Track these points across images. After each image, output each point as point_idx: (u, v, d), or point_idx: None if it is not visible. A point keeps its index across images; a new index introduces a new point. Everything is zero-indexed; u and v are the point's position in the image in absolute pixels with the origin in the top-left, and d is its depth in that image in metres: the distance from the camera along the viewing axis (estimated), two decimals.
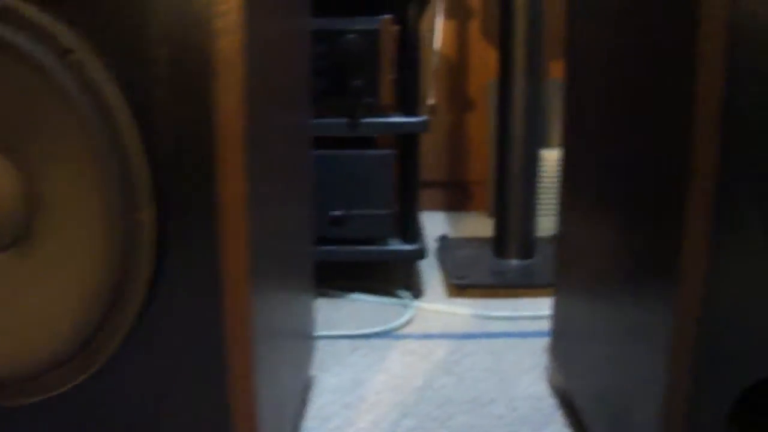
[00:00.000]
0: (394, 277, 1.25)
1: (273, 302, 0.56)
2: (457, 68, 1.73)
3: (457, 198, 1.78)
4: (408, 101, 1.08)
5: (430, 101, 1.71)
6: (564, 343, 0.78)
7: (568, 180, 0.77)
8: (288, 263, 0.64)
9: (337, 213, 1.10)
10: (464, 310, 1.09)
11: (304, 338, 0.76)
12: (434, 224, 1.68)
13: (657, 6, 0.50)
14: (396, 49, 1.09)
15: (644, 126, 0.53)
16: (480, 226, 1.65)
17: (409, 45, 1.06)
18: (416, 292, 1.15)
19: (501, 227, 1.28)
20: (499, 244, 1.28)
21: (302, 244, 0.73)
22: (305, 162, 0.73)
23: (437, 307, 1.10)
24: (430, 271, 1.28)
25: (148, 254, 0.45)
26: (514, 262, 1.25)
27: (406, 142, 1.09)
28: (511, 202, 1.25)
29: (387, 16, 1.05)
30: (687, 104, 0.44)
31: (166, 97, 0.44)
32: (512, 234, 1.26)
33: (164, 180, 0.45)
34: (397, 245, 1.11)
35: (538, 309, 1.08)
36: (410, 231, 1.11)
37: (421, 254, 1.11)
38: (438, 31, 1.66)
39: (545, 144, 1.58)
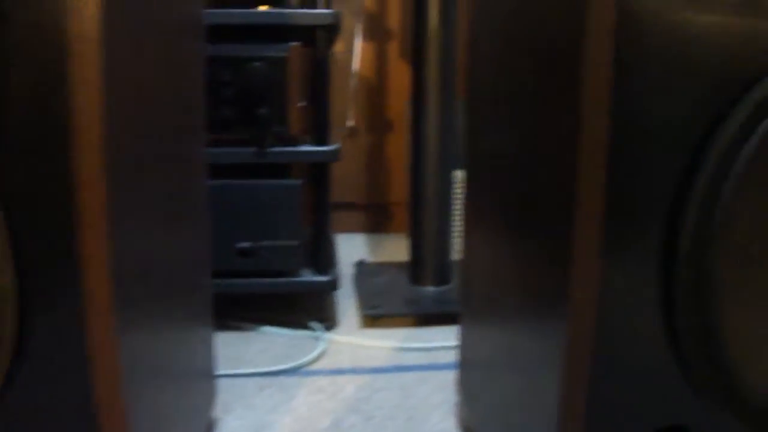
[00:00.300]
0: (308, 308, 1.22)
1: (154, 341, 0.53)
2: (376, 89, 1.73)
3: (377, 220, 1.77)
4: (319, 129, 1.06)
5: (350, 123, 1.70)
6: (469, 375, 0.77)
7: (469, 203, 0.77)
8: (175, 298, 0.61)
9: (245, 244, 1.07)
10: (376, 342, 1.08)
11: (203, 377, 0.73)
12: (354, 247, 1.66)
13: (543, 26, 0.51)
14: (306, 76, 1.07)
15: (532, 151, 0.54)
16: (400, 248, 1.65)
17: (320, 72, 1.05)
18: (329, 324, 1.13)
19: (416, 252, 1.27)
20: (414, 270, 1.28)
21: (197, 277, 0.69)
22: (198, 192, 0.70)
23: (350, 340, 1.08)
24: (346, 300, 1.26)
25: (12, 314, 0.41)
26: (430, 289, 1.25)
27: (317, 171, 1.07)
28: (425, 225, 1.25)
29: (295, 43, 1.03)
30: (573, 132, 0.44)
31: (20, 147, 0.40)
32: (427, 259, 1.26)
33: (20, 228, 0.41)
34: (308, 276, 1.08)
35: (452, 339, 1.08)
36: (322, 261, 1.08)
37: (333, 285, 1.09)
38: (357, 53, 1.66)
39: (460, 165, 1.60)
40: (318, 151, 1.04)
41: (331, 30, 1.05)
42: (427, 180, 1.24)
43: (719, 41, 0.44)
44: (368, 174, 1.75)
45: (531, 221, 0.53)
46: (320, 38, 1.04)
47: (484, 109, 0.69)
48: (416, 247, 1.27)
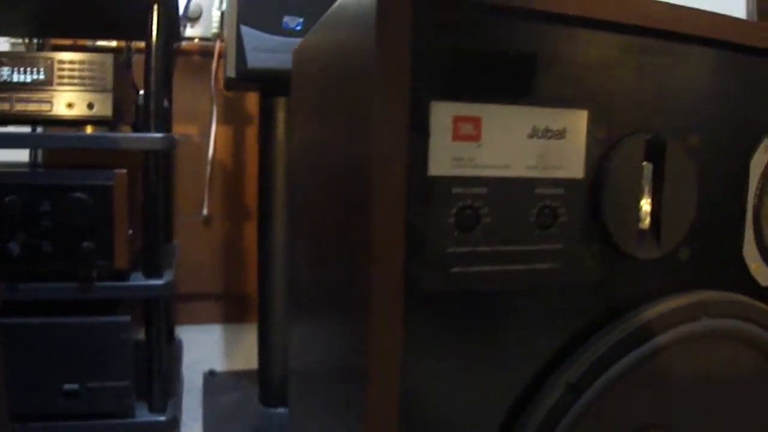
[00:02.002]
0: None
1: None
2: (233, 175, 1.68)
3: (235, 309, 1.72)
4: (150, 261, 1.00)
5: (205, 211, 1.64)
6: None
7: (290, 293, 0.75)
8: None
9: (71, 386, 0.98)
10: None
11: None
12: (209, 345, 1.59)
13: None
14: (136, 203, 1.02)
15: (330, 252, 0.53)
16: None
17: (150, 199, 0.99)
18: None
19: (264, 361, 1.22)
20: (264, 387, 1.22)
21: None
22: None
23: None
24: (194, 424, 1.20)
25: None
26: (281, 411, 1.21)
27: (148, 306, 1.01)
28: (273, 320, 1.20)
29: (121, 171, 0.97)
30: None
31: None
32: (276, 366, 1.21)
33: None
34: (143, 416, 1.02)
35: None
36: (157, 400, 1.02)
37: (171, 424, 1.03)
38: (212, 138, 1.60)
39: None
40: (149, 286, 0.99)
41: (159, 157, 1.00)
42: (275, 272, 1.19)
43: None
44: (224, 263, 1.69)
45: (337, 312, 0.53)
46: (151, 163, 0.99)
47: (301, 229, 0.68)
48: (264, 353, 1.21)
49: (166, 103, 1.15)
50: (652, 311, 0.51)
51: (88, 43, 1.39)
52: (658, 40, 0.50)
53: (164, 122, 1.05)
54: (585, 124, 0.47)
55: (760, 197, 0.56)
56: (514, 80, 0.45)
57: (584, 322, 0.50)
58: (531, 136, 0.46)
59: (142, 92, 1.33)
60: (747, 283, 0.57)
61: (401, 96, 0.42)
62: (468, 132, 0.44)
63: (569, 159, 0.47)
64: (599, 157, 0.48)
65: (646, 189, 0.50)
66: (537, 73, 0.46)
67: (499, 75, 0.45)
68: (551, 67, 0.46)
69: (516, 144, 0.46)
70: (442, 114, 0.44)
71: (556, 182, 0.47)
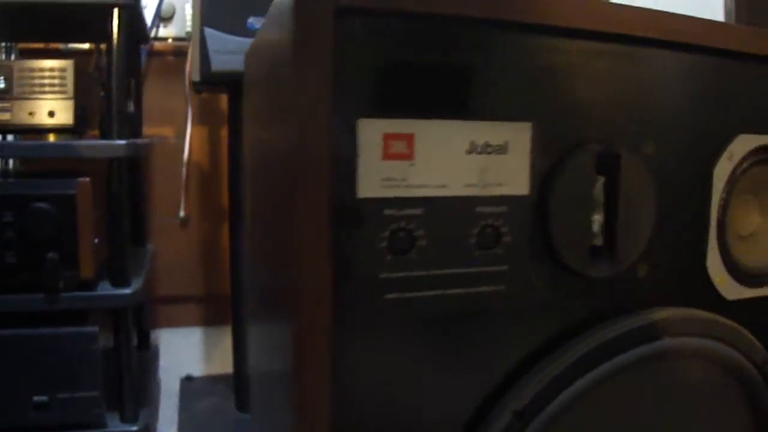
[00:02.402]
0: None
1: None
2: (209, 176, 1.64)
3: (215, 311, 1.68)
4: (116, 270, 0.98)
5: (182, 213, 1.61)
6: None
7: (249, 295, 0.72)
8: None
9: (40, 398, 0.96)
10: None
11: None
12: (189, 346, 1.57)
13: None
14: (101, 211, 0.99)
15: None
16: None
17: (114, 207, 0.97)
18: None
19: (239, 366, 1.19)
20: (239, 391, 1.20)
21: None
22: None
23: None
24: (168, 429, 1.18)
25: None
26: None
27: (116, 315, 0.98)
28: (247, 323, 1.17)
29: (84, 179, 0.94)
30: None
31: None
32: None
33: None
34: (115, 426, 1.00)
35: None
36: (129, 409, 1.00)
37: None
38: (188, 139, 1.57)
39: None
40: (115, 295, 0.96)
41: (123, 163, 0.97)
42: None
43: None
44: (202, 264, 1.66)
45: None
46: (114, 171, 0.97)
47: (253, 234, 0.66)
48: (238, 354, 1.18)
49: (131, 108, 1.12)
50: (609, 332, 0.48)
51: (61, 46, 1.36)
52: (609, 44, 0.47)
53: (129, 128, 1.02)
54: (529, 137, 0.44)
55: (724, 208, 0.53)
56: (449, 93, 0.42)
57: (535, 344, 0.47)
58: (469, 152, 0.43)
59: None
60: (712, 298, 0.54)
61: (323, 113, 0.39)
62: (400, 150, 0.42)
63: (512, 175, 0.44)
64: (546, 171, 0.45)
65: (599, 204, 0.48)
66: (475, 84, 0.43)
67: (434, 88, 0.42)
68: (491, 77, 0.43)
69: (453, 161, 0.43)
70: (371, 132, 0.41)
71: (498, 200, 0.44)
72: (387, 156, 0.41)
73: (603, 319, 0.49)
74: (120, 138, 0.95)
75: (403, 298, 0.43)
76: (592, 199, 0.47)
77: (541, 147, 0.45)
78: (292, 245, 0.40)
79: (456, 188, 0.43)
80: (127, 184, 0.95)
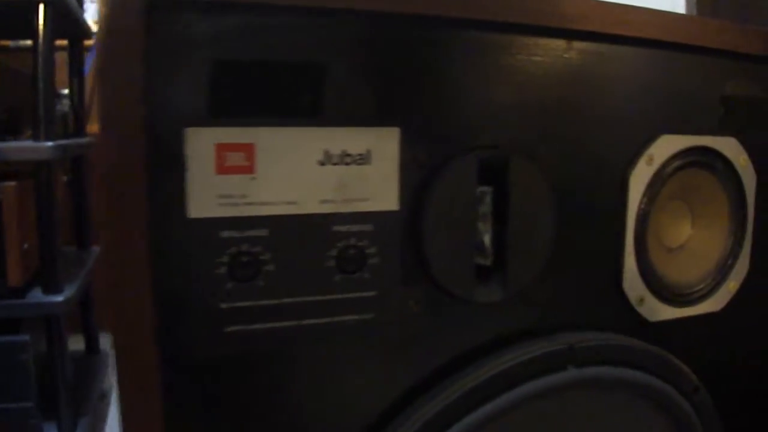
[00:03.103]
0: None
1: None
2: None
3: None
4: (47, 276, 0.93)
5: None
6: None
7: None
8: None
9: None
10: None
11: None
12: None
13: None
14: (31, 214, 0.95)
15: None
16: None
17: (43, 212, 0.92)
18: None
19: None
20: None
21: None
22: None
23: None
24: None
25: None
26: None
27: (48, 323, 0.94)
28: None
29: (10, 184, 0.90)
30: None
31: None
32: None
33: None
34: None
35: None
36: (66, 419, 0.96)
37: None
38: None
39: None
40: (46, 303, 0.92)
41: (51, 165, 0.92)
42: None
43: None
44: None
45: None
46: (43, 174, 0.92)
47: None
48: None
49: (62, 107, 1.07)
50: (502, 362, 0.43)
51: (10, 43, 1.31)
52: (498, 34, 0.41)
53: (64, 128, 0.97)
54: (396, 145, 0.39)
55: (644, 218, 0.47)
56: (296, 97, 0.37)
57: (417, 378, 0.42)
58: (323, 163, 0.37)
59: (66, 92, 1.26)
60: (632, 320, 0.48)
61: (136, 122, 0.34)
62: (238, 163, 0.36)
63: (378, 188, 0.39)
64: (418, 183, 0.40)
65: (487, 218, 0.42)
66: (328, 86, 0.37)
67: (277, 91, 0.36)
68: (347, 77, 0.37)
69: (303, 174, 0.37)
70: (201, 142, 0.35)
71: (361, 217, 0.39)
72: (222, 170, 0.36)
73: (498, 348, 0.44)
74: (49, 139, 0.91)
75: (248, 330, 0.37)
76: (476, 213, 0.41)
77: (412, 155, 0.39)
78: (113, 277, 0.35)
79: (308, 205, 0.37)
80: (51, 188, 0.90)
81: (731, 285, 0.51)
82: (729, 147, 0.49)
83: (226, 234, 0.36)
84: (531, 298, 0.44)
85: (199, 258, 0.36)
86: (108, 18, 0.33)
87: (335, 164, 0.38)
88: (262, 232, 0.37)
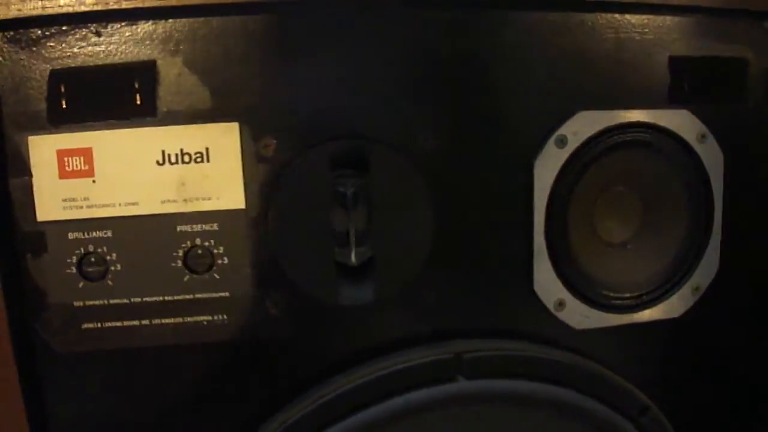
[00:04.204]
0: None
1: None
2: None
3: None
4: None
5: None
6: None
7: None
8: None
9: None
10: None
11: None
12: None
13: None
14: None
15: None
16: None
17: None
18: None
19: None
20: None
21: None
22: None
23: None
24: None
25: None
26: None
27: None
28: None
29: None
30: None
31: None
32: None
33: None
34: None
35: None
36: None
37: None
38: None
39: None
40: None
41: None
42: None
43: None
44: None
45: None
46: None
47: None
48: None
49: None
50: (375, 370, 0.39)
51: None
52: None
53: None
54: (237, 140, 0.38)
55: (559, 209, 0.40)
56: (128, 98, 0.37)
57: (282, 386, 0.40)
58: (161, 163, 0.37)
59: None
60: (558, 328, 0.42)
61: None
62: (78, 167, 0.37)
63: (220, 186, 0.38)
64: (266, 179, 0.38)
65: (353, 215, 0.39)
66: (160, 84, 0.37)
67: (108, 95, 0.37)
68: (179, 72, 0.37)
69: (143, 175, 0.37)
70: (43, 149, 0.37)
71: (205, 216, 0.38)
72: (65, 175, 0.37)
73: (377, 355, 0.40)
74: None
75: (103, 327, 0.39)
76: (332, 209, 0.38)
77: (256, 150, 0.38)
78: None
79: (149, 205, 0.37)
80: None
81: (695, 286, 0.42)
82: (679, 121, 0.41)
83: (72, 236, 0.38)
84: (419, 300, 0.40)
85: (52, 259, 0.38)
86: None
87: (173, 163, 0.37)
88: (107, 233, 0.38)
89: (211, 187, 0.38)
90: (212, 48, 0.37)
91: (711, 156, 0.42)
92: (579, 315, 0.41)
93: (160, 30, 0.37)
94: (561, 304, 0.41)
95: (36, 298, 0.38)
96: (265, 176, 0.38)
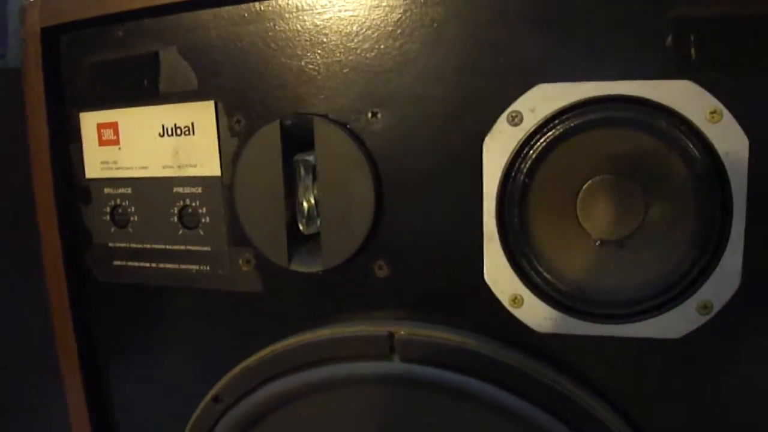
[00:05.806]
0: None
1: None
2: None
3: None
4: None
5: None
6: None
7: None
8: None
9: None
10: None
11: None
12: None
13: None
14: None
15: None
16: None
17: None
18: None
19: None
20: None
21: None
22: None
23: None
24: None
25: None
26: None
27: None
28: None
29: None
30: None
31: None
32: None
33: None
34: None
35: None
36: None
37: None
38: None
39: None
40: None
41: None
42: None
43: None
44: None
45: None
46: None
47: None
48: None
49: None
50: (312, 336, 0.40)
51: None
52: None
53: None
54: (213, 117, 0.41)
55: (519, 195, 0.35)
56: (141, 82, 0.44)
57: (253, 335, 0.44)
58: (161, 135, 0.43)
59: None
60: (510, 324, 0.38)
61: (40, 113, 0.46)
62: (109, 137, 0.46)
63: (203, 155, 0.43)
64: (235, 151, 0.42)
65: (309, 187, 0.40)
66: (159, 71, 0.43)
67: (128, 79, 0.44)
68: (174, 61, 0.43)
69: (149, 144, 0.44)
70: (89, 123, 0.46)
71: (192, 180, 0.43)
72: (102, 143, 0.46)
73: (326, 320, 0.41)
74: None
75: (126, 266, 0.47)
76: (281, 181, 0.40)
77: (229, 125, 0.41)
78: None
79: (155, 169, 0.44)
80: None
81: (703, 304, 0.34)
82: (680, 94, 0.32)
83: (106, 191, 0.47)
84: (368, 275, 0.40)
85: (94, 208, 0.47)
86: (24, 43, 0.47)
87: (170, 136, 0.44)
88: (128, 190, 0.46)
89: (197, 155, 0.43)
90: (198, 38, 0.42)
91: (728, 140, 0.33)
92: (540, 316, 0.37)
93: (159, 25, 0.43)
94: (516, 300, 0.37)
95: (85, 238, 0.48)
96: (236, 148, 0.42)
